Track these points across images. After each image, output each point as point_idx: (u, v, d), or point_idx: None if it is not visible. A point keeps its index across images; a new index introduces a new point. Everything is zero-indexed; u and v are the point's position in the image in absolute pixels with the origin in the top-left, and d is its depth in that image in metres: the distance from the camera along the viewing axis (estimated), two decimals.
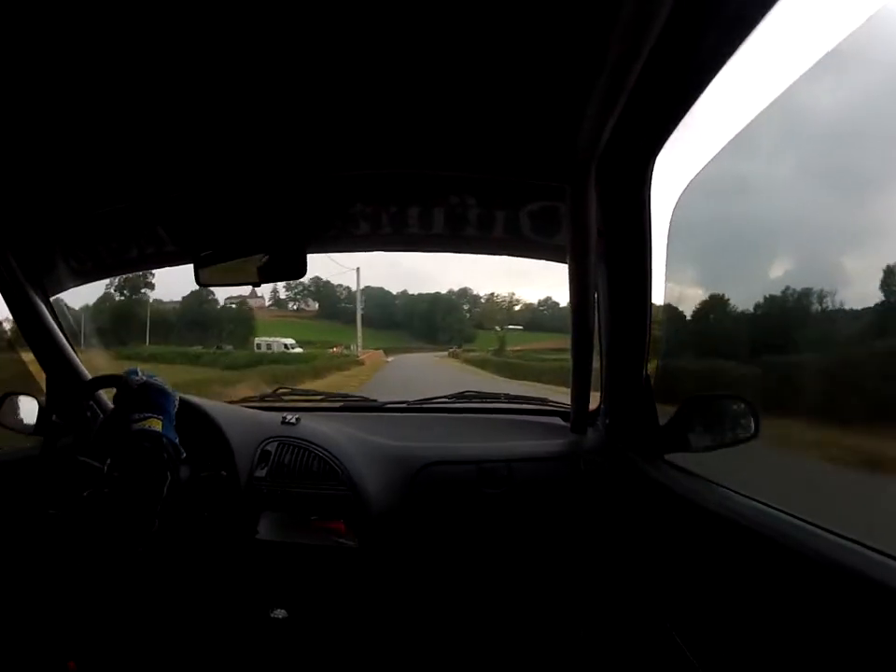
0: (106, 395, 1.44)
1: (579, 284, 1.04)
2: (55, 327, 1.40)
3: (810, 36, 0.87)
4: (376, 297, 14.88)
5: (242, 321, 14.02)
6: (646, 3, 0.53)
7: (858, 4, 0.84)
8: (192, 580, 1.13)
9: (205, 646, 1.17)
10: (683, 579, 1.03)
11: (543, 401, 1.61)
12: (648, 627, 1.14)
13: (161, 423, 1.01)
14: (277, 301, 15.04)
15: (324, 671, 1.29)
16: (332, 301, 14.80)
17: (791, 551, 0.74)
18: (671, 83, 0.74)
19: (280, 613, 1.16)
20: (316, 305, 14.90)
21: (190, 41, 0.67)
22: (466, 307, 15.13)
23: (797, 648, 0.73)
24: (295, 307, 15.13)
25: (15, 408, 1.46)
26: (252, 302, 13.69)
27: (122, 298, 13.11)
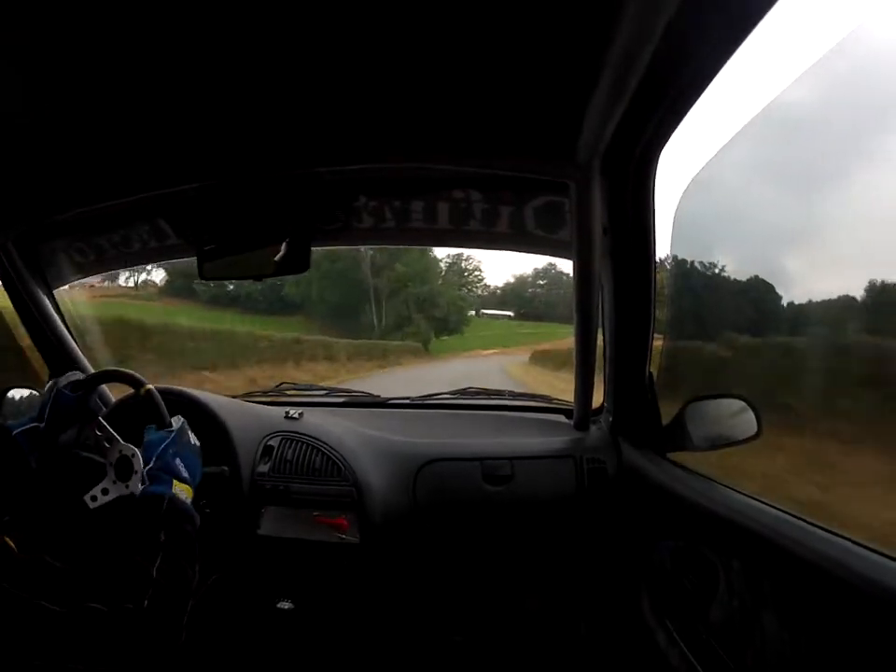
0: (109, 389, 1.44)
1: (583, 281, 1.03)
2: (57, 320, 1.40)
3: (815, 31, 0.87)
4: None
5: None
6: None
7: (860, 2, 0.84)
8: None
9: (213, 635, 1.17)
10: (685, 578, 1.03)
11: (546, 399, 1.61)
12: (649, 625, 1.14)
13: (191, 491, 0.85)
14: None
15: (330, 661, 1.29)
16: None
17: (792, 550, 0.74)
18: (675, 79, 0.73)
19: (286, 604, 1.17)
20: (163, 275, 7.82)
21: (194, 33, 0.66)
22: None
23: (798, 647, 0.73)
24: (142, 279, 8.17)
25: (16, 402, 1.46)
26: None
27: None
